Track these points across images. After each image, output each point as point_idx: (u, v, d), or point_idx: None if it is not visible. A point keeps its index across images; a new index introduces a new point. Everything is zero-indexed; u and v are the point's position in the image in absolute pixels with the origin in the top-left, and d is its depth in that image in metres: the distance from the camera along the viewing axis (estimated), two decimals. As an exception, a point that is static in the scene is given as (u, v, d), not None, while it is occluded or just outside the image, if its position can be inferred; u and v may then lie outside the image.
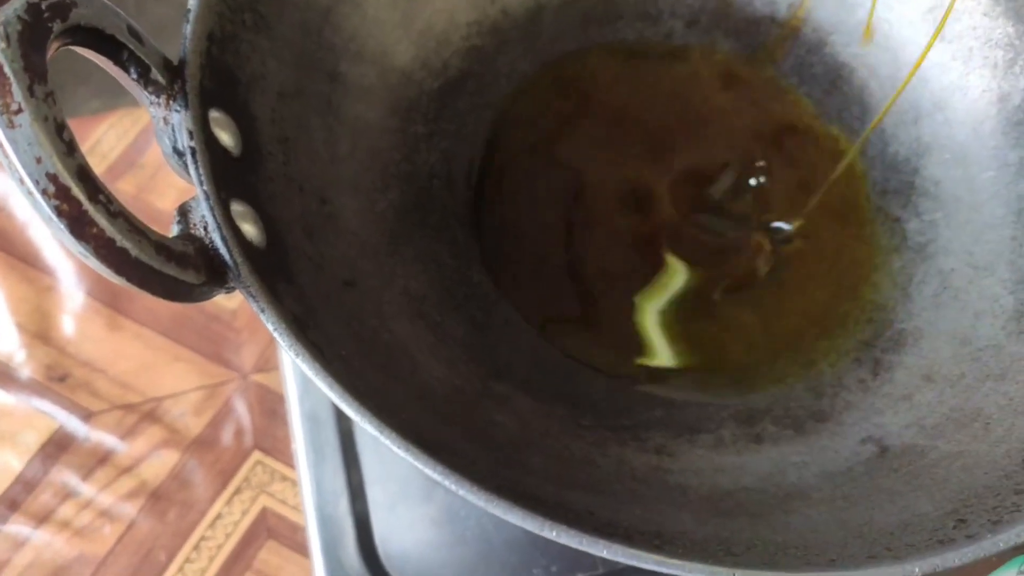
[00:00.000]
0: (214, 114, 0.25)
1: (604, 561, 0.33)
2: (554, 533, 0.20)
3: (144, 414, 0.51)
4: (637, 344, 0.33)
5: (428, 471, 0.20)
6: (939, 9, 0.36)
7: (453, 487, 0.20)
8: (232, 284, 0.23)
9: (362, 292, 0.29)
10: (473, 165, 0.36)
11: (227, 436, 0.50)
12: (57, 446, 0.51)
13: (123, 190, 0.58)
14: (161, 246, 0.21)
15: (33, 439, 0.51)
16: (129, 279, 0.20)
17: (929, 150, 0.36)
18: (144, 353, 0.53)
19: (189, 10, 0.26)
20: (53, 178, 0.18)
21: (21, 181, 0.18)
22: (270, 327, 0.22)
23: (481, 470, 0.21)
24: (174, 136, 0.25)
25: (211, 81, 0.26)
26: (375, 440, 0.35)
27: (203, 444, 0.50)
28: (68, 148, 0.19)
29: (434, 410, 0.26)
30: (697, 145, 0.38)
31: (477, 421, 0.27)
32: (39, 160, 0.18)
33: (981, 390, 0.28)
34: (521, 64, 0.38)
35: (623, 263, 0.35)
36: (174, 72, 0.25)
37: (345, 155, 0.32)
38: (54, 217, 0.19)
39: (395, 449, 0.21)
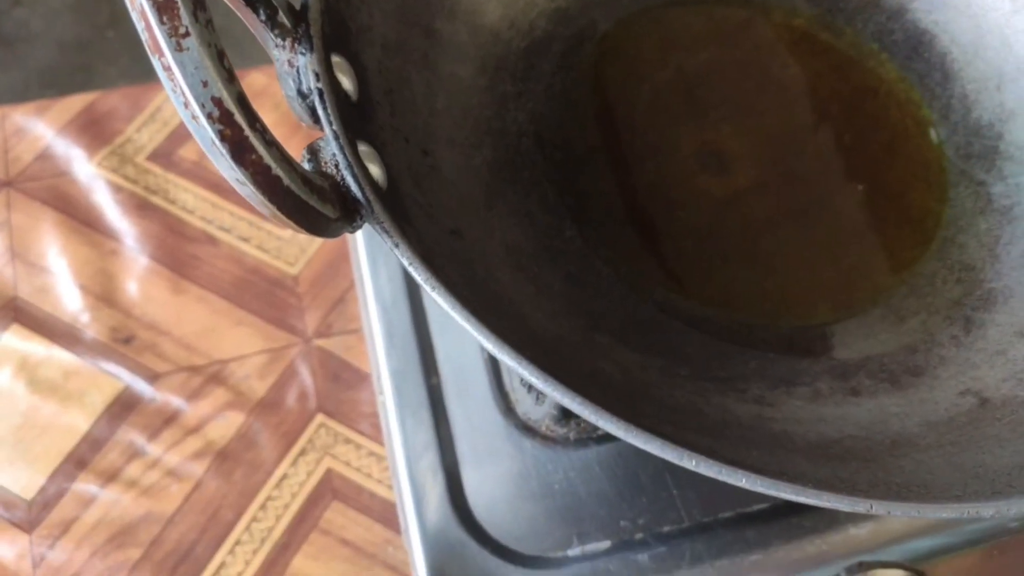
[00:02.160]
0: (335, 59, 0.26)
1: (690, 513, 0.33)
2: (693, 463, 0.20)
3: (209, 376, 0.52)
4: (724, 300, 0.33)
5: (567, 401, 0.21)
6: (1025, -25, 0.36)
7: (592, 417, 0.21)
8: (362, 221, 0.23)
9: (467, 242, 0.29)
10: (560, 125, 0.36)
11: (291, 399, 0.51)
12: (123, 406, 0.52)
13: (186, 157, 0.58)
14: (306, 178, 0.21)
15: (99, 399, 0.52)
16: (280, 208, 0.21)
17: (1013, 115, 0.36)
18: (207, 317, 0.53)
19: (306, -42, 0.27)
20: (218, 102, 0.19)
21: (186, 104, 0.19)
22: (405, 262, 0.22)
23: (604, 405, 0.22)
24: (299, 79, 0.25)
25: (330, 27, 0.26)
26: (461, 395, 0.36)
27: (267, 406, 0.51)
28: (229, 75, 0.19)
29: (547, 354, 0.26)
30: (778, 108, 0.38)
31: (584, 367, 0.28)
32: (205, 84, 0.19)
33: (1078, 344, 0.29)
34: (604, 26, 0.38)
35: (706, 223, 0.35)
36: (298, 16, 0.25)
37: (441, 110, 0.33)
38: (217, 141, 0.19)
39: (534, 380, 0.21)
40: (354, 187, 0.23)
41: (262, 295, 0.54)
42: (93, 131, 0.60)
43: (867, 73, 0.39)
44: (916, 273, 0.34)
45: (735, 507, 0.33)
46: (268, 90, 0.60)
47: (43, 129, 0.61)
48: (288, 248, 0.55)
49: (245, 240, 0.56)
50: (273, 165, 0.20)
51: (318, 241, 0.56)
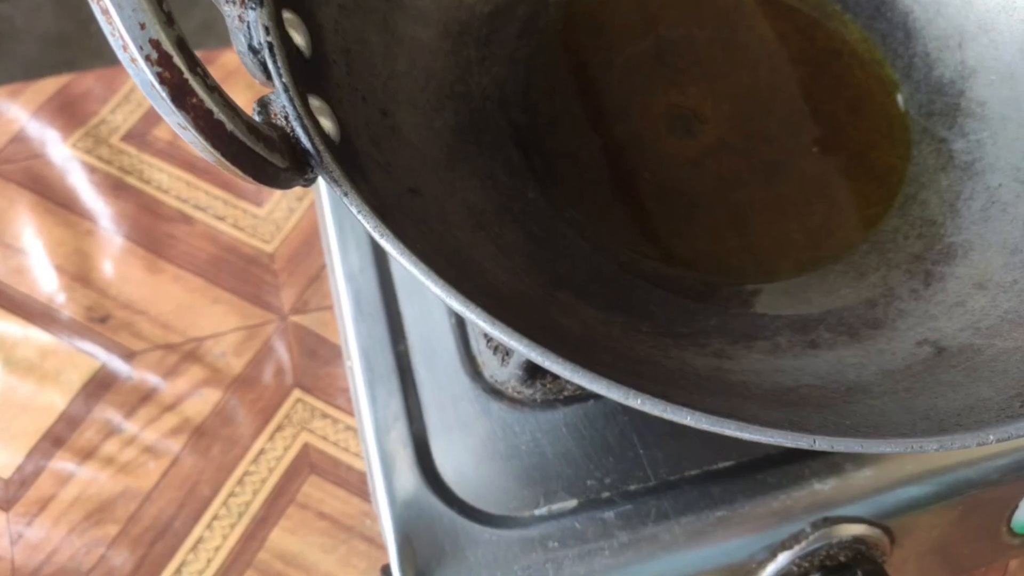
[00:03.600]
0: (286, 15, 0.26)
1: (656, 472, 0.33)
2: (639, 401, 0.20)
3: (185, 354, 0.52)
4: (689, 258, 0.33)
5: (515, 344, 0.21)
6: (987, -68, 0.36)
7: (540, 359, 0.21)
8: (313, 172, 0.23)
9: (426, 200, 0.29)
10: (524, 89, 0.36)
11: (267, 375, 0.51)
12: (100, 385, 0.52)
13: (161, 137, 0.58)
14: (252, 126, 0.21)
15: (76, 378, 0.52)
16: (224, 153, 0.21)
17: (975, 72, 0.36)
18: (183, 295, 0.53)
19: (258, -85, 0.27)
20: (156, 44, 0.19)
21: (124, 47, 0.19)
22: (354, 210, 0.22)
23: (559, 353, 0.22)
24: (249, 33, 0.25)
25: (282, -17, 0.26)
26: (429, 361, 0.36)
27: (244, 383, 0.51)
28: (168, 18, 0.19)
29: (505, 306, 0.26)
30: (745, 70, 0.38)
31: (544, 320, 0.28)
32: (143, 26, 0.19)
33: (1035, 293, 0.29)
34: (569, -10, 0.38)
35: (673, 183, 0.35)
36: (248, -28, 0.25)
37: (402, 72, 0.33)
38: (156, 84, 0.19)
39: (482, 324, 0.21)
40: (304, 138, 0.23)
41: (238, 273, 0.54)
42: (68, 113, 0.60)
43: (831, 34, 0.39)
44: (878, 229, 0.34)
45: (701, 465, 0.33)
46: (241, 70, 0.60)
47: (17, 112, 0.61)
48: (264, 226, 0.55)
49: (220, 219, 0.56)
50: (215, 109, 0.20)
51: (294, 218, 0.56)
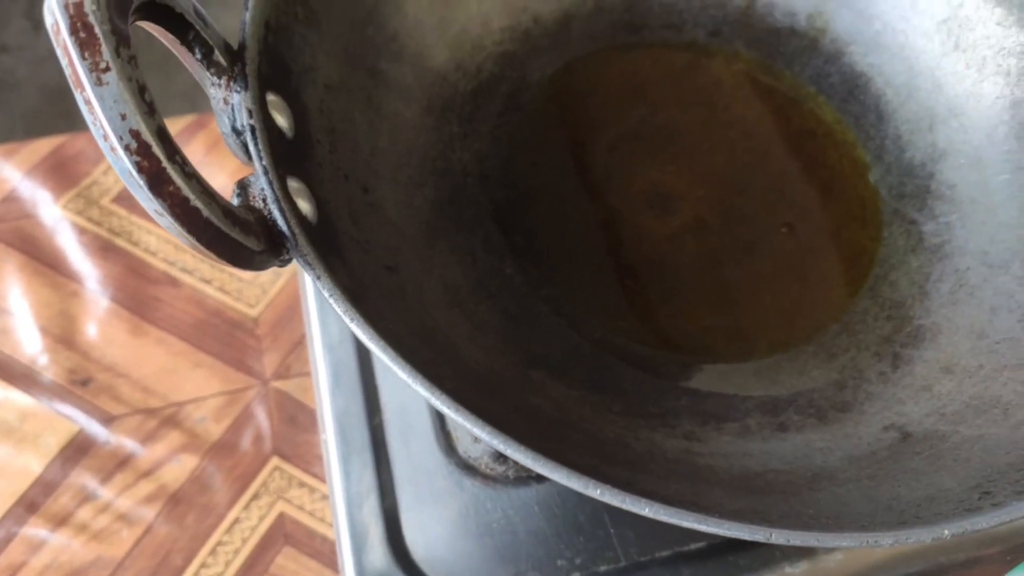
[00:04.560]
0: (271, 97, 0.27)
1: (626, 553, 0.33)
2: (598, 492, 0.20)
3: (165, 419, 0.52)
4: (663, 337, 0.33)
5: (479, 432, 0.21)
6: (953, 20, 0.38)
7: (500, 446, 0.21)
8: (288, 254, 0.24)
9: (404, 278, 0.30)
10: (505, 165, 0.37)
11: (246, 442, 0.51)
12: (77, 449, 0.51)
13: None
14: (228, 211, 0.22)
15: (54, 442, 0.51)
16: (199, 239, 0.21)
17: (944, 155, 0.37)
18: (166, 359, 0.53)
19: None
20: (136, 135, 0.20)
21: (105, 137, 0.19)
22: (326, 294, 0.23)
23: (525, 438, 0.22)
24: (233, 116, 0.26)
25: (267, 67, 0.27)
26: (404, 435, 0.36)
27: (222, 449, 0.51)
28: (149, 109, 0.20)
29: (475, 387, 0.27)
30: (722, 149, 0.39)
31: (516, 401, 0.28)
32: (123, 117, 0.19)
33: (999, 379, 0.29)
34: (550, 69, 0.39)
35: (650, 261, 0.36)
36: (234, 55, 0.26)
37: (385, 149, 0.33)
38: (134, 173, 0.20)
39: (446, 410, 0.21)
40: (280, 221, 0.24)
41: (222, 337, 0.54)
42: (60, 173, 0.61)
43: (806, 115, 0.40)
44: (849, 311, 0.34)
45: (672, 546, 0.33)
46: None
47: (11, 171, 0.61)
48: (249, 290, 0.56)
49: (207, 282, 0.56)
50: (192, 197, 0.21)
51: (280, 282, 0.56)
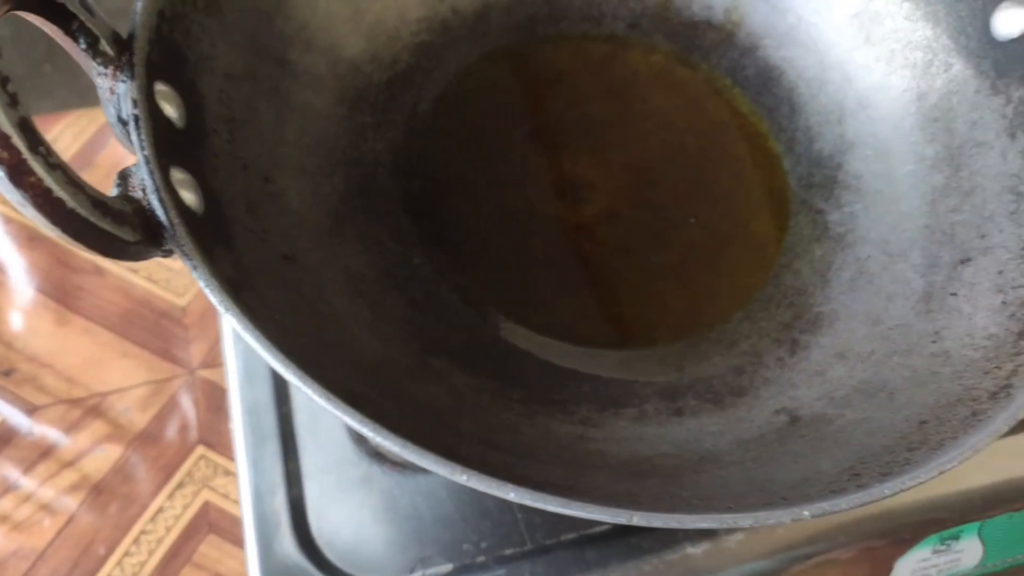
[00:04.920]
0: (160, 87, 0.26)
1: (532, 536, 0.33)
2: (464, 477, 0.21)
3: (89, 409, 0.51)
4: (568, 327, 0.34)
5: (348, 419, 0.21)
6: (864, 14, 0.38)
7: (370, 434, 0.21)
8: (168, 245, 0.24)
9: (302, 267, 0.30)
10: (419, 155, 0.37)
11: (171, 431, 0.51)
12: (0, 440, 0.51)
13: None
14: (97, 201, 0.22)
15: (-23, 433, 0.51)
16: (64, 230, 0.21)
17: (852, 146, 0.38)
18: (92, 349, 0.53)
19: (140, -11, 0.27)
20: (-7, 126, 0.19)
21: (-39, 128, 0.19)
22: (202, 284, 0.23)
23: (405, 425, 0.22)
24: (119, 105, 0.26)
25: (159, 56, 0.27)
26: (313, 423, 0.36)
27: (147, 439, 0.51)
28: (11, 100, 0.20)
29: (366, 375, 0.27)
30: (637, 140, 0.39)
31: (409, 388, 0.28)
32: (-20, 108, 0.19)
33: (888, 364, 0.30)
34: (468, 60, 0.39)
35: (560, 250, 0.36)
36: (123, 45, 0.26)
37: (292, 139, 0.33)
38: (-8, 164, 0.20)
39: (317, 399, 0.22)
40: (159, 211, 0.24)
41: (149, 326, 0.54)
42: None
43: (721, 107, 0.40)
44: (753, 298, 0.35)
45: (577, 529, 0.34)
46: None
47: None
48: (177, 279, 0.55)
49: (134, 271, 0.55)
50: (55, 188, 0.21)
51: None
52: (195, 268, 0.23)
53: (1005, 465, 0.37)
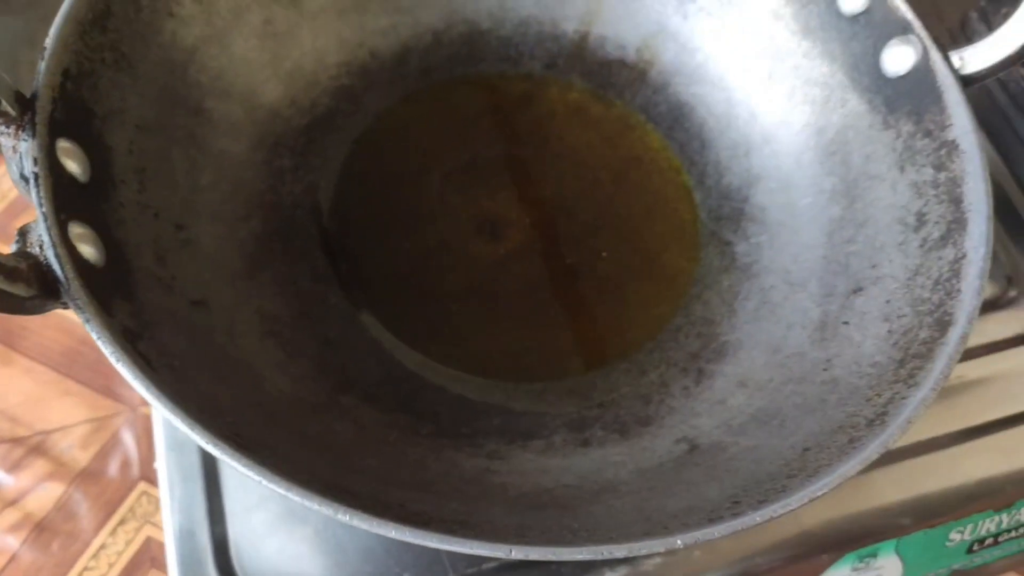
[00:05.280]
0: (63, 144, 0.27)
1: (454, 565, 0.34)
2: (347, 517, 0.22)
3: (31, 447, 0.52)
4: (482, 359, 0.35)
5: (235, 464, 0.22)
6: (767, 52, 0.40)
7: (257, 478, 0.22)
8: (64, 299, 0.25)
9: (212, 311, 0.31)
10: (337, 196, 0.38)
11: (114, 467, 0.51)
12: (-58, 481, 0.51)
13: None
14: (-12, 260, 0.23)
15: (-82, 475, 0.51)
16: (-46, 289, 0.22)
17: (758, 179, 0.39)
18: (34, 388, 0.53)
19: (45, 48, 0.28)
20: None
21: None
22: (94, 335, 0.24)
23: (298, 467, 0.23)
24: (21, 163, 0.26)
25: (63, 114, 0.28)
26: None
27: (89, 476, 0.51)
28: None
29: (268, 417, 0.28)
30: (553, 177, 0.41)
31: (313, 428, 0.29)
32: None
33: (783, 392, 0.31)
34: (388, 102, 0.41)
35: (475, 285, 0.37)
36: (25, 104, 0.27)
37: (207, 185, 0.34)
38: None
39: (204, 444, 0.22)
40: (55, 266, 0.24)
41: (91, 364, 0.54)
42: (-71, 204, 0.60)
43: (634, 142, 0.42)
44: (664, 328, 0.36)
45: (500, 558, 0.34)
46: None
47: None
48: (121, 316, 0.56)
49: (78, 309, 0.56)
50: (-57, 249, 0.21)
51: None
52: (87, 321, 0.24)
53: (919, 481, 0.38)
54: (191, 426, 0.22)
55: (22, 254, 0.24)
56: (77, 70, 0.29)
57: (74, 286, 0.24)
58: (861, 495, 0.38)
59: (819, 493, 0.24)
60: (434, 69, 0.42)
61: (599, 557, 0.22)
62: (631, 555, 0.22)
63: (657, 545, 0.22)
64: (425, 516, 0.24)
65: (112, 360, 0.23)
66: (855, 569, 0.39)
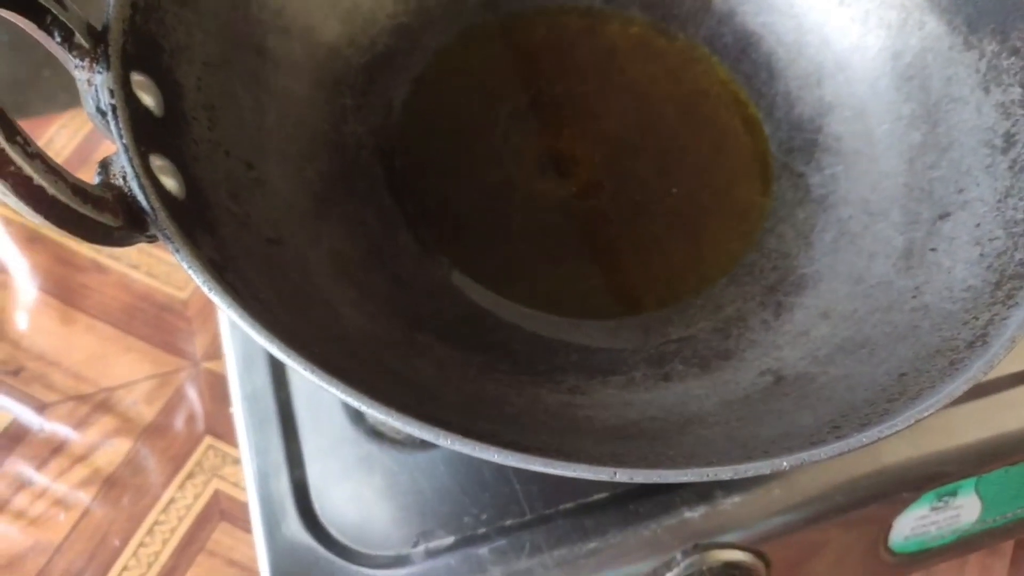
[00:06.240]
0: (136, 77, 0.27)
1: (532, 506, 0.34)
2: (448, 441, 0.21)
3: (97, 404, 0.52)
4: (554, 297, 0.34)
5: (335, 391, 0.22)
6: (837, -23, 0.38)
7: (356, 403, 0.22)
8: (151, 230, 0.24)
9: (286, 249, 0.30)
10: (400, 136, 0.37)
11: (179, 422, 0.52)
12: (11, 438, 0.52)
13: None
14: (78, 188, 0.22)
15: (-13, 432, 0.52)
16: (47, 216, 0.22)
17: (831, 108, 0.38)
18: (96, 345, 0.54)
19: (113, -20, 0.28)
20: (-31, 119, 0.20)
21: (-62, 122, 0.20)
22: (184, 265, 0.23)
23: (390, 397, 0.23)
24: (97, 96, 0.26)
25: (134, 47, 0.27)
26: (310, 406, 0.36)
27: (155, 431, 0.51)
28: (-18, 92, 0.20)
29: (351, 351, 0.27)
30: (617, 112, 0.40)
31: (394, 363, 0.29)
32: (-45, 101, 0.20)
33: (870, 321, 0.30)
34: (446, 39, 0.40)
35: (542, 224, 0.37)
36: (97, 37, 0.26)
37: (272, 125, 0.34)
38: (-30, 155, 0.20)
39: (304, 372, 0.22)
40: (140, 197, 0.24)
41: (151, 321, 0.54)
42: (-16, 166, 0.61)
43: (699, 76, 0.40)
44: (738, 263, 0.35)
45: (576, 498, 0.34)
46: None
47: (-66, 166, 0.61)
48: (177, 273, 0.56)
49: (134, 267, 0.56)
50: (35, 176, 0.21)
51: (209, 265, 0.56)
52: (177, 251, 0.24)
53: (1000, 419, 0.37)
54: (288, 354, 0.22)
55: (106, 185, 0.24)
56: (144, 3, 0.29)
57: (161, 216, 0.24)
58: (942, 433, 0.37)
59: (926, 413, 0.24)
60: (492, 5, 0.41)
61: (704, 479, 0.21)
62: (736, 476, 0.21)
63: (763, 467, 0.22)
64: (518, 444, 0.23)
65: (204, 289, 0.23)
66: (934, 508, 0.39)
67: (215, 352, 0.53)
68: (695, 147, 0.39)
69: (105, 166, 0.25)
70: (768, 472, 0.22)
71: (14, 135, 0.21)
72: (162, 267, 0.56)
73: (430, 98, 0.39)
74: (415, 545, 0.33)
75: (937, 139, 0.34)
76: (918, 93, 0.36)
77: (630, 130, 0.39)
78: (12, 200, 0.21)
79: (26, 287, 0.56)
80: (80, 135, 0.60)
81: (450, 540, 0.33)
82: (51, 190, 0.21)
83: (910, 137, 0.35)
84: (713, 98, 0.40)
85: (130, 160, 0.24)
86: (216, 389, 0.52)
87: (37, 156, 0.21)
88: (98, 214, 0.23)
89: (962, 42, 0.35)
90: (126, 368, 0.53)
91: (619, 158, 0.38)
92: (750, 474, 0.21)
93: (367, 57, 0.38)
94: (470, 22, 0.40)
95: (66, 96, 0.81)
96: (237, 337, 0.38)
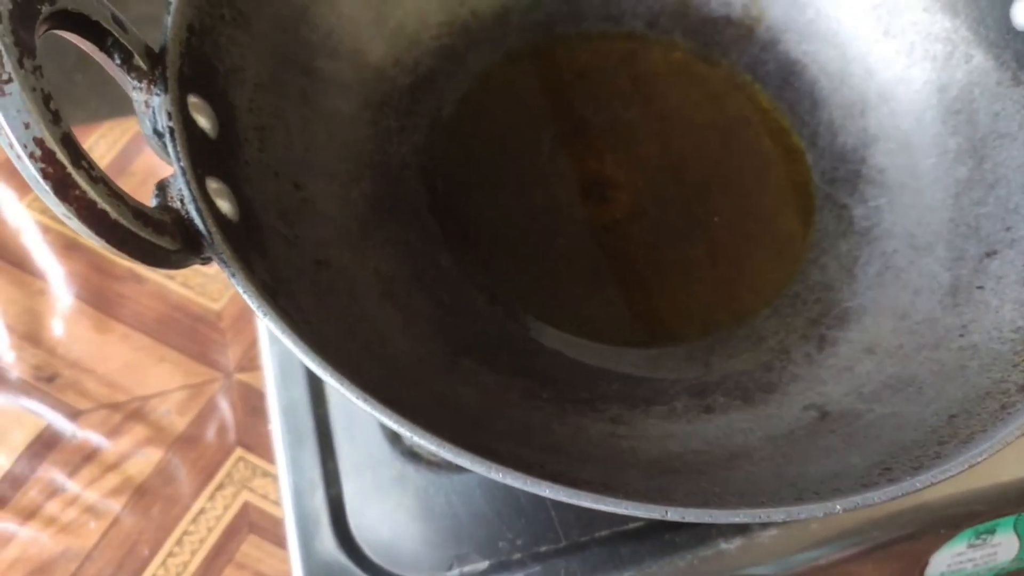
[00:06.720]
0: (192, 99, 0.27)
1: (567, 533, 0.34)
2: (500, 475, 0.21)
3: (130, 413, 0.52)
4: (597, 323, 0.34)
5: (385, 419, 0.22)
6: (883, 7, 0.38)
7: (407, 433, 0.22)
8: (207, 253, 0.25)
9: (334, 271, 0.31)
10: (443, 157, 0.38)
11: (210, 433, 0.52)
12: (44, 444, 0.52)
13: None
14: (139, 212, 0.23)
15: (20, 438, 0.52)
16: (109, 240, 0.22)
17: (876, 140, 0.38)
18: (130, 354, 0.54)
19: (170, 2, 0.28)
20: (39, 142, 0.20)
21: (10, 145, 0.20)
22: (240, 290, 0.24)
23: (439, 425, 0.23)
24: (154, 118, 0.26)
25: (190, 69, 0.28)
26: (348, 424, 0.37)
27: (187, 441, 0.52)
28: (54, 117, 0.21)
29: (399, 376, 0.27)
30: (659, 138, 0.40)
31: (441, 389, 0.29)
32: (27, 126, 0.20)
33: (917, 359, 0.30)
34: (489, 62, 0.40)
35: (585, 249, 0.37)
36: (155, 59, 0.27)
37: (320, 145, 0.34)
38: (40, 179, 0.20)
39: (355, 400, 0.22)
40: (197, 220, 0.24)
41: (185, 331, 0.55)
42: (24, 173, 0.62)
43: (742, 103, 0.40)
44: (780, 294, 0.35)
45: (611, 526, 0.34)
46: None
47: (-26, 172, 0.62)
48: (212, 284, 0.56)
49: (170, 278, 0.56)
50: (99, 200, 0.21)
51: (242, 276, 0.57)
52: (233, 275, 0.24)
53: (1039, 457, 0.37)
54: (339, 380, 0.22)
55: (164, 208, 0.24)
56: (200, 26, 0.29)
57: (217, 240, 0.24)
58: (982, 471, 0.36)
59: (979, 459, 0.23)
60: (534, 28, 0.41)
61: (757, 520, 0.21)
62: (789, 519, 0.21)
63: (816, 510, 0.21)
64: (566, 477, 0.23)
65: (259, 314, 0.23)
66: (971, 545, 0.38)
67: (248, 364, 0.54)
68: (737, 175, 0.39)
69: (163, 188, 0.25)
70: (820, 516, 0.21)
71: (79, 160, 0.21)
72: (197, 278, 0.56)
73: (472, 120, 0.39)
74: (449, 568, 0.33)
75: (984, 175, 0.34)
76: (965, 127, 0.35)
77: (672, 156, 0.39)
78: (75, 223, 0.22)
79: (63, 295, 0.56)
80: (119, 145, 0.61)
81: (484, 565, 0.33)
82: (114, 214, 0.22)
83: (956, 172, 0.35)
84: (755, 126, 0.40)
85: (187, 183, 0.25)
86: (248, 401, 0.53)
87: (101, 180, 0.22)
88: (158, 237, 0.23)
89: (1010, 77, 0.34)
90: (159, 378, 0.53)
91: (661, 184, 0.38)
92: (803, 516, 0.21)
93: (411, 78, 0.38)
94: (513, 45, 0.41)
95: (95, 102, 0.82)
96: (275, 352, 0.38)
